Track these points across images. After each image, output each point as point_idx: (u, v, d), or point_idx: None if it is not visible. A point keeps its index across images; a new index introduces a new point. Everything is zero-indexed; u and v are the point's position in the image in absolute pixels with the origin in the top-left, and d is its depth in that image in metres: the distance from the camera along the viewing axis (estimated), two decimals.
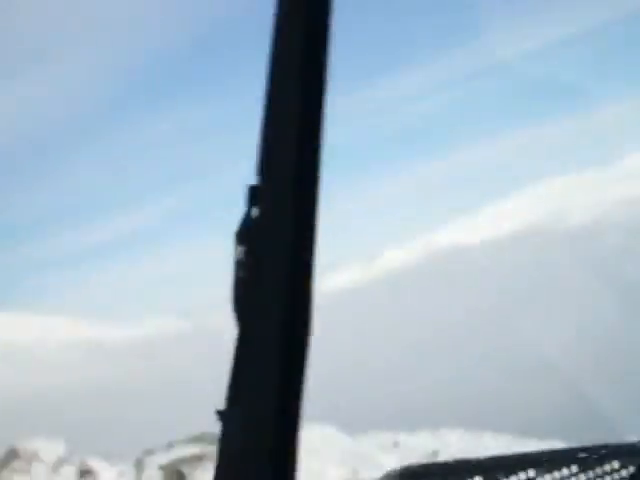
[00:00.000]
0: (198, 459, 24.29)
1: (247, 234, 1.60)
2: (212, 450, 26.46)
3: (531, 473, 1.85)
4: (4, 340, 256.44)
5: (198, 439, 26.67)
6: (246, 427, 1.67)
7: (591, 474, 1.94)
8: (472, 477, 1.82)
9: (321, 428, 27.31)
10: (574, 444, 2.10)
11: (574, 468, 1.92)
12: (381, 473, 1.91)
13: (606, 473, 1.94)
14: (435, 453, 24.92)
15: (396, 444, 27.47)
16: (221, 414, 1.79)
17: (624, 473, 1.93)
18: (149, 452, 26.14)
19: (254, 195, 1.60)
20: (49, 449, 29.51)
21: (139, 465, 25.60)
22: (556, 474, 1.90)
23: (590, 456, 1.95)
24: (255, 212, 1.58)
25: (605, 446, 1.97)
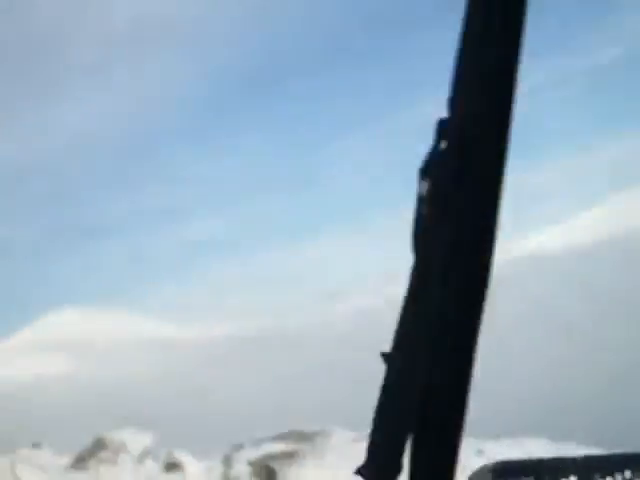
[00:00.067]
0: (288, 456, 23.87)
1: (432, 169, 1.57)
2: (301, 448, 26.07)
3: (627, 474, 1.74)
4: (93, 334, 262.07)
5: (286, 436, 26.28)
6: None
7: None
8: (567, 477, 1.74)
9: None
10: None
11: None
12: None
13: None
14: None
15: (480, 452, 26.64)
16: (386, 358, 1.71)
17: None
18: (237, 448, 25.79)
19: (443, 129, 1.57)
20: (136, 441, 29.42)
21: (227, 460, 25.27)
22: None
23: None
24: (442, 146, 1.56)
25: None
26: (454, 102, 1.56)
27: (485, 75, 1.51)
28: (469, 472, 1.81)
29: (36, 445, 34.26)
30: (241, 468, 24.20)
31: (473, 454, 26.84)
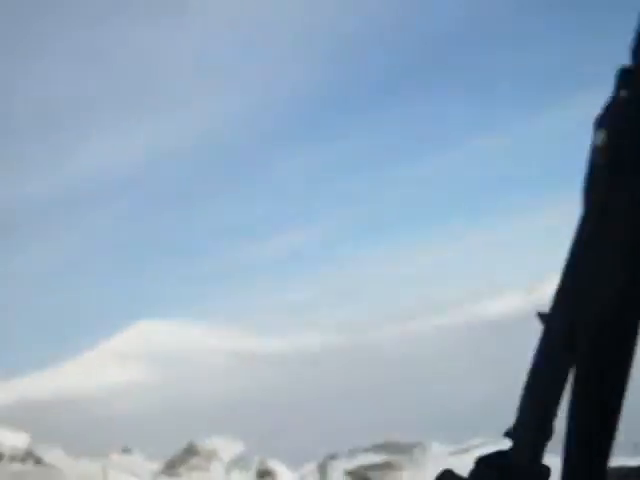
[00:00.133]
0: (385, 467, 23.09)
1: (610, 118, 1.52)
2: (398, 459, 25.24)
3: None
4: (178, 345, 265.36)
5: (382, 447, 25.54)
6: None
7: None
8: None
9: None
10: None
11: None
12: None
13: None
14: None
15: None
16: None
17: None
18: (332, 457, 25.09)
19: (624, 78, 1.53)
20: (227, 448, 29.02)
21: (322, 469, 24.58)
22: None
23: None
24: (623, 94, 1.52)
25: None
26: (638, 51, 1.49)
27: None
28: None
29: (127, 450, 34.20)
30: (337, 477, 23.49)
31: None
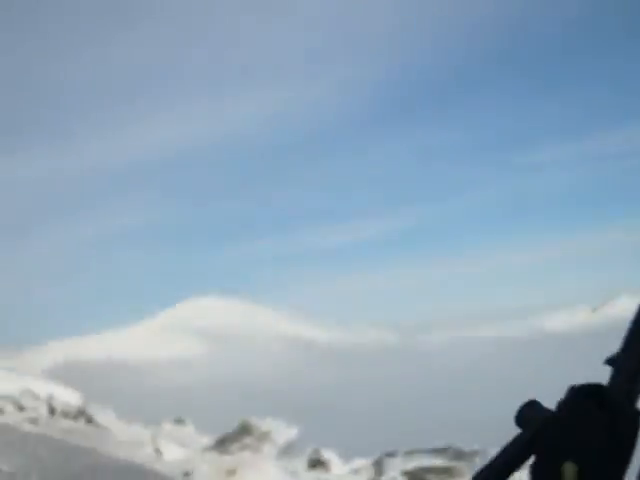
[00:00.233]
0: (445, 472, 22.07)
1: None
2: (459, 465, 24.20)
3: None
4: (234, 324, 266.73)
5: (442, 452, 24.52)
6: None
7: None
8: None
9: None
10: None
11: None
12: None
13: None
14: None
15: None
16: None
17: None
18: (389, 455, 24.19)
19: None
20: (282, 432, 28.28)
21: (378, 466, 23.68)
22: None
23: None
24: None
25: None
26: None
27: None
28: None
29: (179, 421, 33.80)
30: (394, 476, 22.55)
31: None
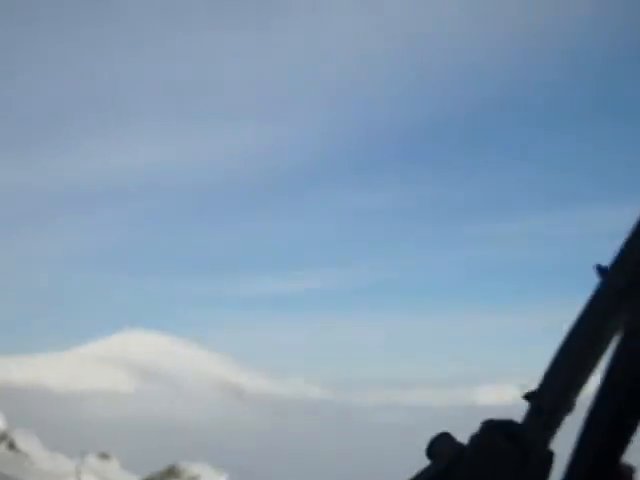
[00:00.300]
0: None
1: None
2: None
3: None
4: (166, 362, 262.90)
5: None
6: None
7: None
8: None
9: None
10: None
11: None
12: None
13: None
14: None
15: None
16: None
17: None
18: None
19: None
20: (210, 476, 27.68)
21: None
22: None
23: None
24: None
25: None
26: None
27: None
28: None
29: (104, 456, 32.86)
30: None
31: None
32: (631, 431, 1.40)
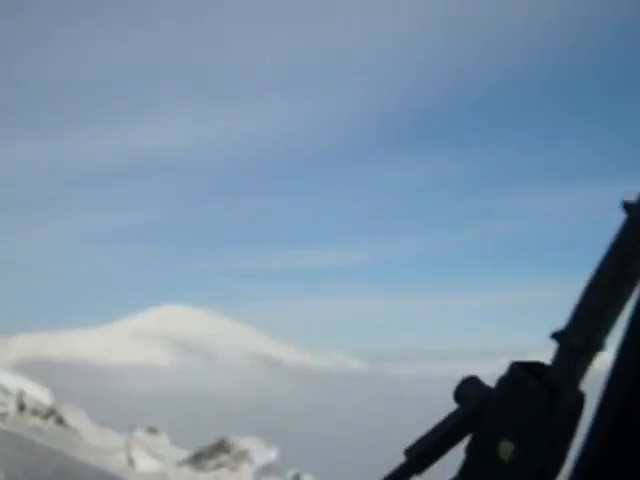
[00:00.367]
0: None
1: None
2: None
3: None
4: (202, 336, 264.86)
5: None
6: None
7: None
8: None
9: None
10: None
11: None
12: None
13: None
14: None
15: None
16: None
17: None
18: None
19: None
20: (261, 452, 27.29)
21: None
22: None
23: None
24: None
25: None
26: None
27: None
28: None
29: (152, 430, 32.63)
30: None
31: None
32: None
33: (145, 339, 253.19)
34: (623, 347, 1.36)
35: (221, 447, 27.80)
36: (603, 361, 1.44)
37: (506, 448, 1.43)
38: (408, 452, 1.51)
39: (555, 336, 1.41)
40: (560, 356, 1.41)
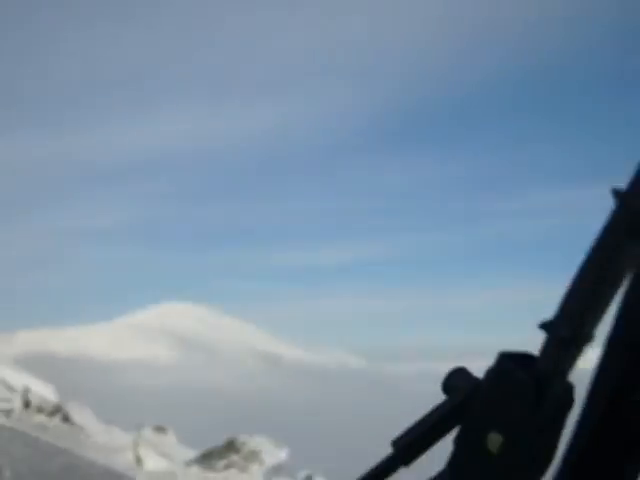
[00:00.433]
0: None
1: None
2: None
3: None
4: (204, 333, 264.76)
5: None
6: None
7: None
8: None
9: None
10: None
11: None
12: None
13: None
14: None
15: None
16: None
17: None
18: None
19: None
20: (271, 452, 26.77)
21: None
22: None
23: None
24: None
25: None
26: None
27: None
28: None
29: (160, 429, 32.14)
30: None
31: None
32: None
33: (147, 335, 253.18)
34: (611, 338, 1.32)
35: (230, 447, 27.32)
36: (592, 353, 1.39)
37: (494, 440, 1.41)
38: (395, 443, 1.49)
39: (544, 326, 1.38)
40: (548, 347, 1.38)
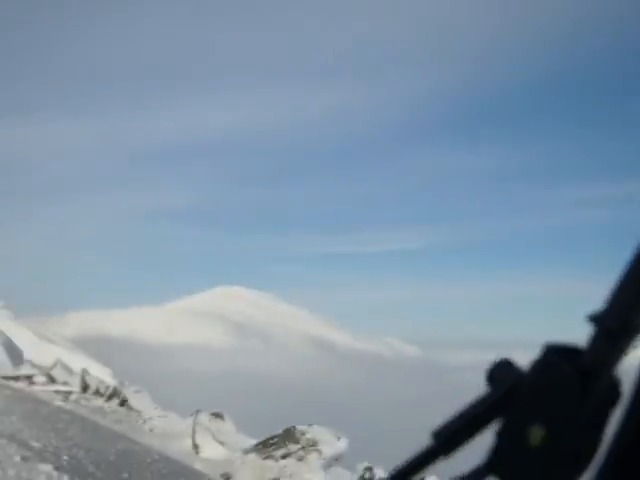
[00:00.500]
0: None
1: None
2: None
3: None
4: (259, 318, 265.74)
5: None
6: None
7: None
8: None
9: None
10: None
11: None
12: None
13: None
14: None
15: None
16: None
17: None
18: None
19: None
20: (330, 443, 26.30)
21: None
22: None
23: None
24: None
25: None
26: None
27: None
28: None
29: (217, 416, 31.87)
30: None
31: None
32: None
33: (202, 319, 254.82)
34: None
35: (289, 436, 26.90)
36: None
37: (537, 433, 1.40)
38: (436, 434, 1.48)
39: (591, 319, 1.35)
40: (596, 340, 1.35)
